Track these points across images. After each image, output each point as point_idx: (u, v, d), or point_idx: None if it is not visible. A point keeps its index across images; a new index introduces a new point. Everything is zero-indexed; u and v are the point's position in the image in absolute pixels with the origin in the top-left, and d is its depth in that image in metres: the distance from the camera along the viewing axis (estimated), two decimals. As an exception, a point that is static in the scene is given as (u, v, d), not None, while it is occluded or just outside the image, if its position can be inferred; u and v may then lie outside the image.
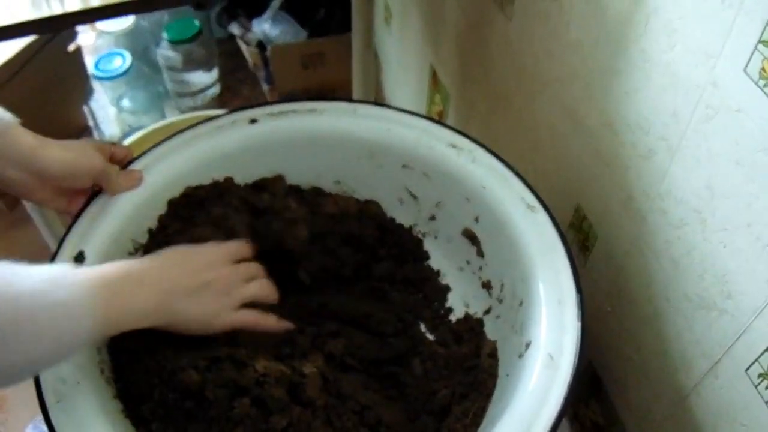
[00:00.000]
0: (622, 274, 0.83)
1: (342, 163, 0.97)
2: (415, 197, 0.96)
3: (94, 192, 0.84)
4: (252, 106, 0.95)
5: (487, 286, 0.89)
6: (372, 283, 0.97)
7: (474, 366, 0.84)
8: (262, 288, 0.81)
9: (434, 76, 1.42)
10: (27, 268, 0.60)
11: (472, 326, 0.89)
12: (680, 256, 0.71)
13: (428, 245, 0.99)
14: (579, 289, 0.74)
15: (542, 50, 0.91)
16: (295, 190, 0.98)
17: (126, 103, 1.98)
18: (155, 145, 0.90)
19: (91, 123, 2.05)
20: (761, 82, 0.55)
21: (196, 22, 1.98)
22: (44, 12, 1.06)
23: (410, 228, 0.99)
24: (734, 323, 0.65)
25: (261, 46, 1.96)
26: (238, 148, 0.92)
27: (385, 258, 0.98)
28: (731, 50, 0.58)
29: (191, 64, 2.00)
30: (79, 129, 2.02)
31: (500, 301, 0.85)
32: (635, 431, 0.88)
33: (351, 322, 0.93)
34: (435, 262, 0.98)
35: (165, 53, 1.97)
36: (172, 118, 1.88)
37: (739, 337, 0.64)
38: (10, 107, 0.76)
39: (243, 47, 2.06)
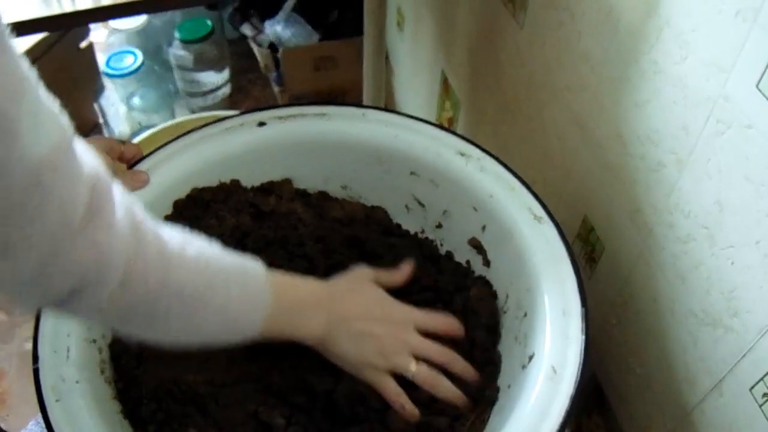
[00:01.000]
0: (627, 287, 0.83)
1: (349, 168, 0.96)
2: (422, 204, 0.95)
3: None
4: (261, 109, 0.95)
5: (492, 296, 0.88)
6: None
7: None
8: (426, 375, 0.75)
9: (445, 82, 1.41)
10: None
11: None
12: (687, 271, 0.71)
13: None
14: (584, 302, 0.73)
15: (553, 59, 0.91)
16: (302, 194, 0.97)
17: (136, 101, 1.99)
18: (164, 145, 0.90)
19: (101, 120, 2.05)
20: (773, 98, 0.55)
21: (209, 22, 1.98)
22: (55, 10, 1.06)
23: (416, 235, 0.98)
24: (740, 341, 0.64)
25: (273, 47, 1.96)
26: (246, 151, 0.92)
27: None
28: (744, 65, 0.58)
29: (202, 63, 2.00)
30: (89, 126, 2.03)
31: (504, 312, 0.85)
32: (637, 446, 0.88)
33: None
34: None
35: (176, 52, 1.98)
36: (182, 117, 1.89)
37: (744, 355, 0.64)
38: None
39: (255, 48, 2.06)
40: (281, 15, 1.99)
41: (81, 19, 1.09)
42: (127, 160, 0.87)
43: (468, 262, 0.92)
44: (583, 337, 0.71)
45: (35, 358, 0.70)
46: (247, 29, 2.05)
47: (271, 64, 2.00)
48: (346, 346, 0.74)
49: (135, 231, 0.55)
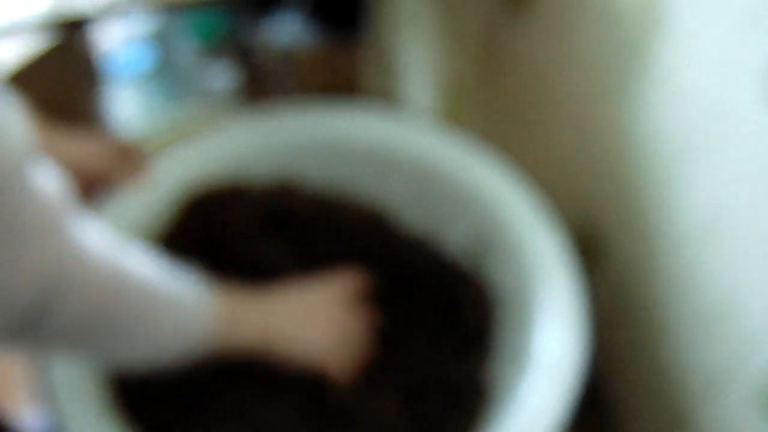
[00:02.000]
0: (628, 290, 0.82)
1: (352, 167, 0.96)
2: (423, 203, 0.95)
3: (100, 188, 0.84)
4: (268, 108, 0.95)
5: (490, 296, 0.88)
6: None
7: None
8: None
9: (451, 82, 1.41)
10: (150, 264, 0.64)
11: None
12: (688, 276, 0.70)
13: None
14: (584, 304, 0.73)
15: (556, 60, 0.91)
16: (309, 195, 0.98)
17: (146, 100, 1.99)
18: (170, 144, 0.90)
19: (108, 119, 2.06)
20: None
21: (220, 22, 1.99)
22: (68, 6, 1.07)
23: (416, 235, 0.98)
24: (739, 347, 0.64)
25: (281, 47, 1.97)
26: (254, 150, 0.93)
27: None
28: (752, 69, 0.57)
29: (212, 63, 2.00)
30: (95, 125, 2.03)
31: (503, 313, 0.84)
32: (635, 451, 0.87)
33: None
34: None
35: (188, 53, 1.98)
36: (191, 117, 1.89)
37: (743, 361, 0.63)
38: (28, 98, 0.76)
39: (266, 49, 2.07)
40: (290, 17, 2.00)
41: (94, 17, 1.09)
42: (131, 158, 0.87)
43: (467, 261, 0.91)
44: (582, 339, 0.71)
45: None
46: (257, 32, 2.05)
47: (282, 65, 2.00)
48: (291, 347, 0.74)
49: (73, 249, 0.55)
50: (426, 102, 1.65)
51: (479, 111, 1.28)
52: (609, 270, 0.87)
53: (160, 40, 2.10)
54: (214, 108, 2.08)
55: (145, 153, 0.88)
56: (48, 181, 0.53)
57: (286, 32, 1.98)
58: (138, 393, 0.74)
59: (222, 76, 2.05)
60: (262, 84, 2.23)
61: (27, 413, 1.41)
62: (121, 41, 2.07)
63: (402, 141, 0.92)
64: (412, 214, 0.97)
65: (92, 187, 0.83)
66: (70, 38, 1.79)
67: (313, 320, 0.77)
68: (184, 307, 0.65)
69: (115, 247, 0.61)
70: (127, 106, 2.06)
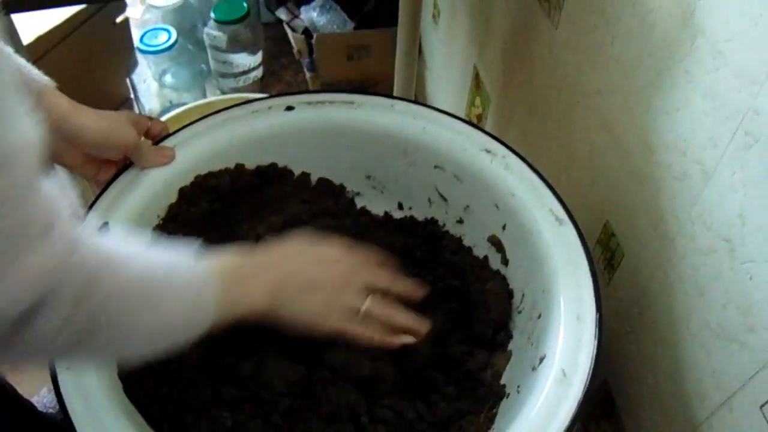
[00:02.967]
0: (645, 295, 0.82)
1: (374, 158, 0.96)
2: (444, 199, 0.95)
3: (125, 164, 0.85)
4: (290, 93, 0.95)
5: (508, 294, 0.88)
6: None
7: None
8: (379, 307, 0.75)
9: (477, 78, 1.41)
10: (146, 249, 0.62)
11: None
12: (705, 283, 0.70)
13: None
14: (599, 307, 0.73)
15: (585, 61, 0.90)
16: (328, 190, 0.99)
17: (168, 78, 1.99)
18: (190, 123, 0.91)
19: (131, 95, 2.06)
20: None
21: (245, 4, 1.98)
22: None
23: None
24: (754, 358, 0.64)
25: (307, 33, 1.96)
26: (272, 134, 0.93)
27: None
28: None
29: (236, 45, 2.00)
30: (120, 100, 2.04)
31: (519, 312, 0.85)
32: (644, 455, 0.87)
33: None
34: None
35: (211, 32, 1.98)
36: (212, 97, 1.89)
37: (757, 372, 0.63)
38: (54, 74, 0.77)
39: (289, 33, 2.06)
40: (317, 1, 1.99)
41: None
42: (153, 136, 0.88)
43: (486, 258, 0.92)
44: (596, 342, 0.71)
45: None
46: (282, 13, 2.05)
47: (305, 50, 1.99)
48: (294, 307, 0.72)
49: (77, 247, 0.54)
50: (452, 98, 1.65)
51: (505, 109, 1.28)
52: (626, 275, 0.87)
53: (186, 19, 2.10)
54: (236, 89, 2.08)
55: (167, 131, 0.89)
56: (57, 184, 0.52)
57: (314, 17, 1.98)
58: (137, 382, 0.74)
59: (246, 58, 2.05)
60: (285, 68, 2.23)
61: (40, 390, 1.43)
62: (147, 19, 2.07)
63: (429, 136, 0.91)
64: (433, 208, 0.97)
65: (108, 164, 0.84)
66: (99, 13, 1.80)
67: (307, 260, 0.75)
68: (194, 285, 0.63)
69: (119, 240, 0.61)
70: (150, 83, 2.07)
